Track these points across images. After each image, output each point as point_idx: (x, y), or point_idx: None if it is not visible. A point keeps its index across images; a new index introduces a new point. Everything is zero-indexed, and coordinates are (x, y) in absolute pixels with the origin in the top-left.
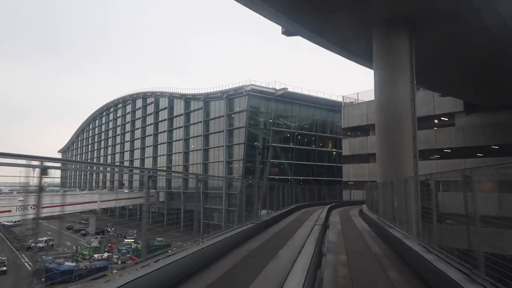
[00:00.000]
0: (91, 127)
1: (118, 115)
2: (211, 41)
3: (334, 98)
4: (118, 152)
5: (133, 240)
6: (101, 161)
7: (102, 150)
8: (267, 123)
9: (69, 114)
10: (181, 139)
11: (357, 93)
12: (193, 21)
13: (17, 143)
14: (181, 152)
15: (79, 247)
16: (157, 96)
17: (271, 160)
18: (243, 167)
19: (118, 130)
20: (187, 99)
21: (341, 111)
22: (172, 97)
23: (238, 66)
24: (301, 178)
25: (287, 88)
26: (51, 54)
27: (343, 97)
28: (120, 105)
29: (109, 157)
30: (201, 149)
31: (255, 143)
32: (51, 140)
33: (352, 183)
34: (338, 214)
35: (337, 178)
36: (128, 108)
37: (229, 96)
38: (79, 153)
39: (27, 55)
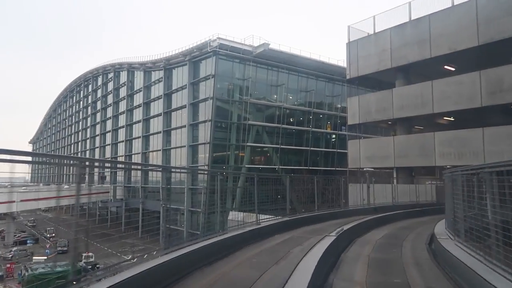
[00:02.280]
0: (57, 113)
1: (80, 97)
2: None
3: (333, 62)
4: (80, 141)
5: (45, 258)
6: (68, 151)
7: (67, 139)
8: (243, 94)
9: (37, 101)
10: (141, 121)
11: (373, 17)
12: None
13: None
14: (140, 137)
15: None
16: (116, 69)
17: (249, 144)
18: (210, 153)
19: (81, 115)
20: (146, 69)
21: (345, 58)
22: (131, 69)
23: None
24: (292, 167)
25: (268, 44)
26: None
27: (348, 28)
28: (82, 85)
29: (72, 146)
30: (161, 132)
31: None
32: (25, 131)
33: (369, 171)
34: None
35: (339, 168)
36: (90, 88)
37: (194, 59)
38: (47, 143)
39: None
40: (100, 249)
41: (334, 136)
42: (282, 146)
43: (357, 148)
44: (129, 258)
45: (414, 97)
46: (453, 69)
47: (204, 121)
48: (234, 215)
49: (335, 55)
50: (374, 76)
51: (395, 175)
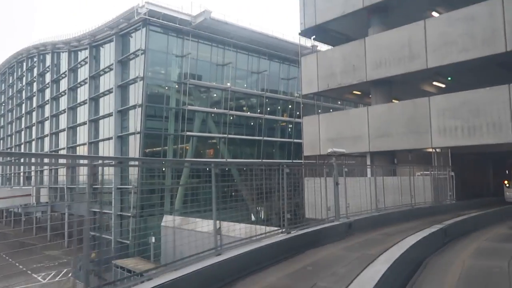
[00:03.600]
0: None
1: (3, 87)
2: None
3: (289, 39)
4: (3, 138)
5: None
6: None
7: None
8: (182, 75)
9: None
10: (66, 110)
11: None
12: None
13: None
14: (65, 130)
15: None
16: (41, 52)
17: (190, 134)
18: (141, 145)
19: (3, 108)
20: (72, 48)
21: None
22: (56, 50)
23: None
24: (243, 161)
25: (210, 12)
26: None
27: None
28: (7, 73)
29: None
30: (86, 122)
31: None
32: None
33: (334, 158)
34: None
35: (299, 161)
36: (15, 75)
37: (122, 32)
38: None
39: None
40: (10, 265)
41: (291, 124)
42: (230, 136)
43: (316, 126)
44: None
45: (398, 47)
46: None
47: (134, 107)
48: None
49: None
50: (338, 27)
51: (368, 162)
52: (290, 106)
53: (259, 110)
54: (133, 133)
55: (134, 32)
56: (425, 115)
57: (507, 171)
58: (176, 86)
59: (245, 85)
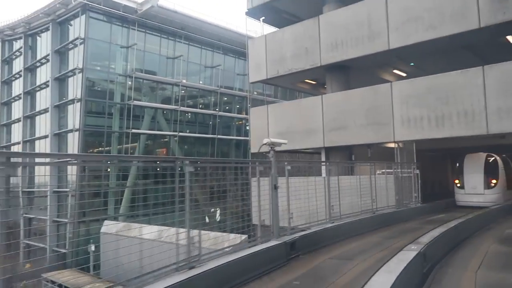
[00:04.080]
0: None
1: None
2: None
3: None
4: None
5: None
6: None
7: None
8: (127, 68)
9: None
10: None
11: None
12: None
13: None
14: None
15: None
16: None
17: (136, 131)
18: (80, 144)
19: None
20: (5, 37)
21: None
22: None
23: None
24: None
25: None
26: None
27: None
28: None
29: None
30: (20, 119)
31: None
32: None
33: (273, 152)
34: None
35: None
36: None
37: (59, 19)
38: None
39: None
40: None
41: (248, 122)
42: (182, 134)
43: (264, 119)
44: None
45: (356, 26)
46: None
47: (72, 101)
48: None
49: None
50: (290, 7)
51: (323, 158)
52: (247, 103)
53: (213, 107)
54: (71, 131)
55: (72, 20)
56: (387, 104)
57: (457, 164)
58: (121, 79)
59: (199, 81)
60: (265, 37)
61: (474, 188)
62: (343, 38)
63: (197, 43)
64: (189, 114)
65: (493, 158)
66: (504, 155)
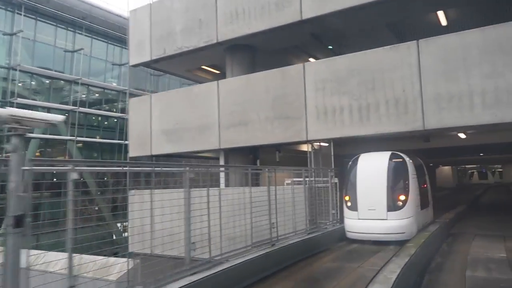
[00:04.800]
0: None
1: None
2: None
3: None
4: None
5: None
6: None
7: None
8: (11, 59)
9: None
10: None
11: None
12: None
13: None
14: None
15: None
16: None
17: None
18: None
19: None
20: None
21: None
22: None
23: None
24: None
25: None
26: None
27: None
28: None
29: None
30: None
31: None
32: None
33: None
34: None
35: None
36: None
37: None
38: None
39: None
40: None
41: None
42: (83, 139)
43: (147, 113)
44: None
45: None
46: None
47: None
48: None
49: None
50: None
51: (222, 162)
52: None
53: (121, 109)
54: None
55: None
56: (298, 92)
57: (348, 169)
58: (2, 72)
59: (102, 78)
60: (150, 5)
61: (371, 209)
62: (245, 6)
63: (101, 36)
64: (93, 116)
65: (400, 160)
66: (418, 157)
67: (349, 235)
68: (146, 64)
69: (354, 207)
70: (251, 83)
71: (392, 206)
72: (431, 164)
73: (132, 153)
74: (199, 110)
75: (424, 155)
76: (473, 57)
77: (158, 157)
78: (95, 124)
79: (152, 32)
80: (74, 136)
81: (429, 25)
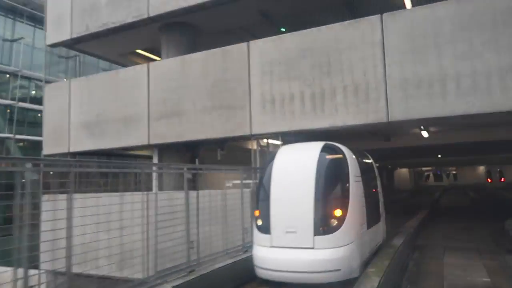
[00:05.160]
0: None
1: None
2: None
3: None
4: None
5: None
6: None
7: None
8: None
9: None
10: None
11: None
12: None
13: None
14: None
15: None
16: None
17: None
18: None
19: None
20: None
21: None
22: None
23: None
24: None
25: None
26: None
27: None
28: None
29: None
30: None
31: None
32: None
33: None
34: None
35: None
36: None
37: None
38: None
39: None
40: None
41: None
42: (22, 137)
43: (65, 101)
44: None
45: None
46: None
47: None
48: None
49: None
50: None
51: (156, 160)
52: None
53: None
54: None
55: None
56: (242, 76)
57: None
58: None
59: (47, 72)
60: None
61: (290, 231)
62: None
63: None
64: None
65: (338, 156)
66: (364, 151)
67: (258, 272)
68: (66, 44)
69: (265, 229)
70: (187, 66)
71: (322, 226)
72: (390, 166)
73: (46, 150)
74: (125, 98)
75: (385, 155)
76: (446, 34)
77: (78, 155)
78: (38, 121)
79: (74, 3)
80: (12, 133)
81: (394, 6)
